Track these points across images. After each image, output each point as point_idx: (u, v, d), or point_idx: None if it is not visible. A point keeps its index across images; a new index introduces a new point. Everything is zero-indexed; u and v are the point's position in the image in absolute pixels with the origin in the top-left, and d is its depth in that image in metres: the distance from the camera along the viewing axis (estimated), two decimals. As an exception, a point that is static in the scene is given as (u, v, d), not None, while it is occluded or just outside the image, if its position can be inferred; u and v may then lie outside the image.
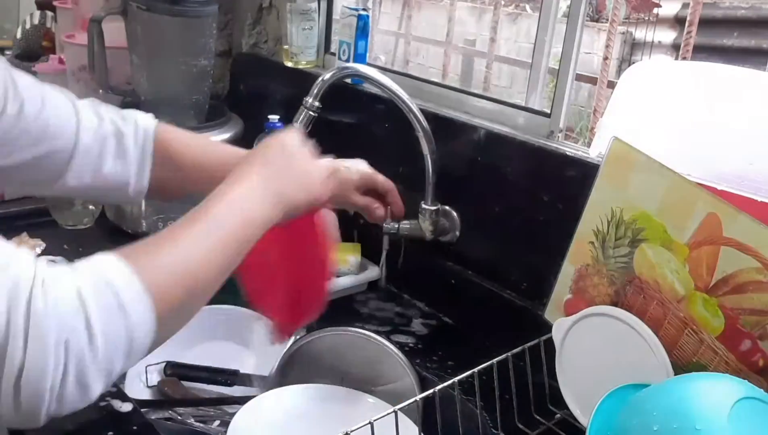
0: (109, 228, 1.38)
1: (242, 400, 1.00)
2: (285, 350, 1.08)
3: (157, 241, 0.60)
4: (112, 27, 1.45)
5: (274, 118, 1.33)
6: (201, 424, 1.00)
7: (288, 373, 1.07)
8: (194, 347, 1.18)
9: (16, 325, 0.47)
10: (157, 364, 1.10)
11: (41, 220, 1.39)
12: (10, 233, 1.17)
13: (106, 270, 0.54)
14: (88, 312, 0.50)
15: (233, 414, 0.96)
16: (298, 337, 1.09)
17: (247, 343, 1.21)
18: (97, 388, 0.52)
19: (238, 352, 1.21)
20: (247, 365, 1.17)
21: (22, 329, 0.47)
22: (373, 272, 1.30)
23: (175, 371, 1.11)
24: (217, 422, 1.04)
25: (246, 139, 1.45)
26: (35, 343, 0.47)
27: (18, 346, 0.47)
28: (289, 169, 0.73)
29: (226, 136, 1.41)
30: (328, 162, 0.84)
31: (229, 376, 1.11)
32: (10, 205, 1.46)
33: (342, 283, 1.27)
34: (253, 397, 0.98)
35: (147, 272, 0.55)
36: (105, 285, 0.52)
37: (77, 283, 0.51)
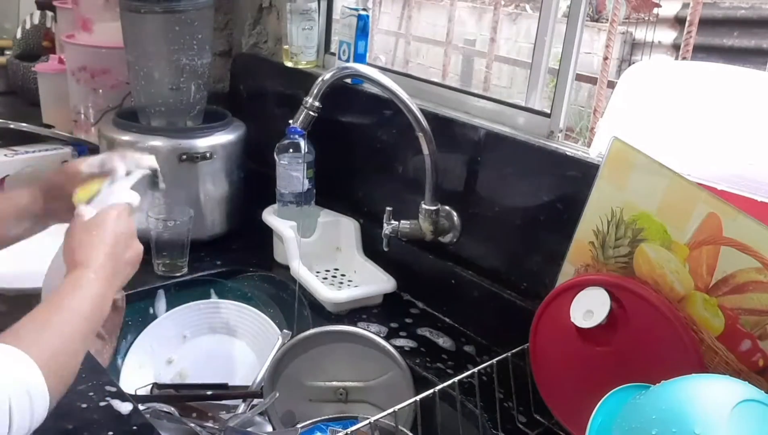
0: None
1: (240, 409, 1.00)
2: (279, 348, 1.08)
3: (34, 330, 0.72)
4: (112, 27, 1.45)
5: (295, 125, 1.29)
6: (200, 428, 1.00)
7: (281, 371, 1.07)
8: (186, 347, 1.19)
9: None
10: (145, 386, 1.11)
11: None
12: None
13: (25, 375, 0.66)
14: (12, 418, 0.64)
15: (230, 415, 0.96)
16: (293, 335, 1.09)
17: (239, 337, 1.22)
18: None
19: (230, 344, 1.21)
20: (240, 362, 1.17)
21: None
22: (390, 284, 1.29)
23: (162, 392, 1.11)
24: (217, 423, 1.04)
25: (247, 139, 1.46)
26: None
27: None
28: (126, 259, 0.86)
29: (228, 137, 1.41)
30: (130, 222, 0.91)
31: (219, 390, 1.10)
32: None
33: (357, 293, 1.26)
34: (250, 408, 0.98)
35: (42, 358, 0.68)
36: (25, 392, 0.66)
37: (8, 395, 0.64)
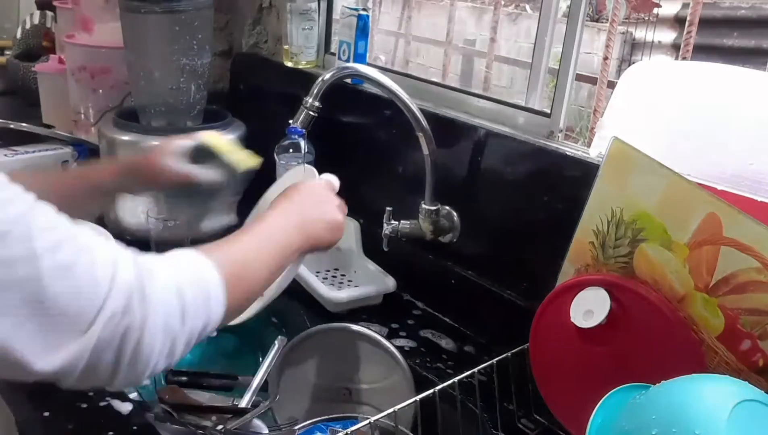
0: (109, 229, 1.38)
1: (240, 411, 1.01)
2: (282, 348, 1.08)
3: (227, 243, 0.73)
4: (112, 27, 1.45)
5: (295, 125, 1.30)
6: (200, 431, 1.00)
7: (285, 371, 1.07)
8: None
9: (135, 311, 0.58)
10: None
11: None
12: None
13: (203, 269, 0.66)
14: (184, 303, 0.62)
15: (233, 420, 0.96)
16: (293, 335, 1.09)
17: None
18: (179, 356, 0.64)
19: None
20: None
21: (139, 315, 0.58)
22: (390, 284, 1.29)
23: (177, 377, 1.11)
24: (218, 426, 1.04)
25: (247, 139, 1.45)
26: (150, 323, 0.59)
27: (136, 326, 0.58)
28: (319, 213, 0.87)
29: (228, 137, 1.41)
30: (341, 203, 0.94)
31: (229, 382, 1.11)
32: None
33: (357, 293, 1.26)
34: (249, 409, 0.99)
35: (225, 269, 0.67)
36: (200, 280, 0.65)
37: (174, 275, 0.62)
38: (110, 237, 0.63)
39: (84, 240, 0.58)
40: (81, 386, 0.59)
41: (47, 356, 0.55)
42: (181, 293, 0.62)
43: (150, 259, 0.62)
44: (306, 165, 1.10)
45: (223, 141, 1.02)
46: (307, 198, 0.88)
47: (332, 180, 0.96)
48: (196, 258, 0.66)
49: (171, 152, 0.97)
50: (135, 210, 1.37)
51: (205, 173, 0.98)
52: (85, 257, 0.57)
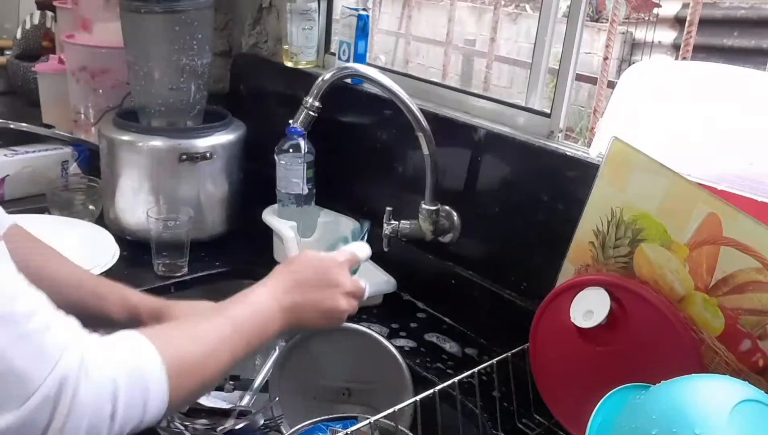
0: (109, 229, 1.38)
1: (241, 411, 1.01)
2: (282, 348, 1.08)
3: (183, 331, 0.68)
4: (112, 27, 1.45)
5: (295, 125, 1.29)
6: (201, 432, 1.00)
7: (284, 370, 1.07)
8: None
9: (62, 408, 0.55)
10: None
11: (41, 220, 1.39)
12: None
13: (144, 360, 0.61)
14: (116, 404, 0.58)
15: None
16: (294, 334, 1.09)
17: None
18: None
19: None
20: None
21: (65, 413, 0.55)
22: (390, 284, 1.29)
23: None
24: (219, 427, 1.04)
25: (247, 139, 1.46)
26: (73, 423, 0.56)
27: (58, 425, 0.55)
28: (317, 299, 0.79)
29: (228, 137, 1.41)
30: (353, 282, 0.86)
31: (232, 382, 1.11)
32: (10, 205, 1.46)
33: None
34: (250, 412, 0.99)
35: (173, 363, 0.62)
36: (139, 379, 0.60)
37: (113, 375, 0.59)
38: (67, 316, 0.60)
39: (40, 319, 0.57)
40: None
41: None
42: (115, 394, 0.58)
43: (95, 348, 0.59)
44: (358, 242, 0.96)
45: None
46: (310, 277, 0.81)
47: (358, 252, 0.88)
48: (144, 351, 0.62)
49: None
50: (135, 210, 1.37)
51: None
52: (33, 338, 0.55)
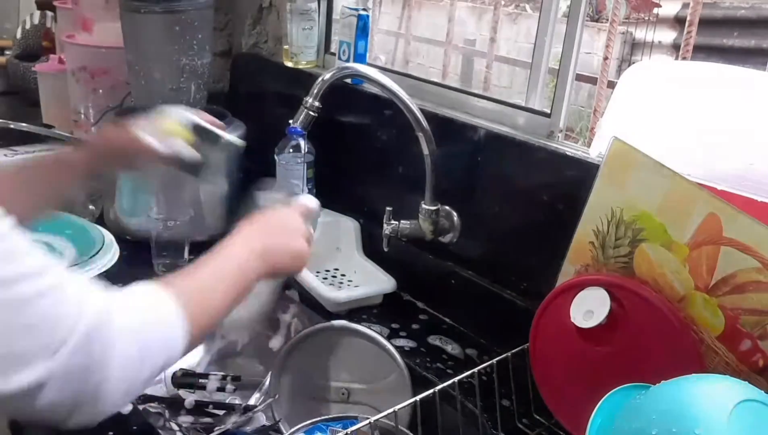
0: (110, 227, 1.38)
1: (242, 410, 1.01)
2: (283, 347, 1.09)
3: (187, 274, 0.75)
4: (112, 27, 1.45)
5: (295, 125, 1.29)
6: (202, 431, 1.00)
7: (284, 370, 1.07)
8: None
9: (95, 354, 0.59)
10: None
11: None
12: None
13: (163, 305, 0.67)
14: (143, 345, 0.63)
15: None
16: (295, 333, 1.09)
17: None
18: (140, 392, 0.66)
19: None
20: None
21: (99, 358, 0.59)
22: (390, 284, 1.29)
23: (186, 376, 1.12)
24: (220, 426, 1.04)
25: (247, 139, 1.45)
26: (109, 369, 0.59)
27: (95, 369, 0.59)
28: (283, 242, 0.85)
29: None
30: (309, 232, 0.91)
31: (233, 383, 1.11)
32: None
33: (357, 293, 1.26)
34: (252, 407, 0.99)
35: (184, 302, 0.68)
36: (159, 319, 0.66)
37: (136, 320, 0.63)
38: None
39: (52, 277, 0.59)
40: (39, 417, 0.59)
41: (12, 375, 0.55)
42: (140, 336, 0.62)
43: (112, 298, 0.63)
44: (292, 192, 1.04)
45: (205, 117, 0.99)
46: (273, 225, 0.86)
47: (309, 203, 0.94)
48: (157, 294, 0.67)
49: (151, 130, 0.93)
50: (135, 210, 1.37)
51: (188, 150, 0.94)
52: (52, 292, 0.57)
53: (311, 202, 0.94)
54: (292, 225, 0.88)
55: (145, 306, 0.65)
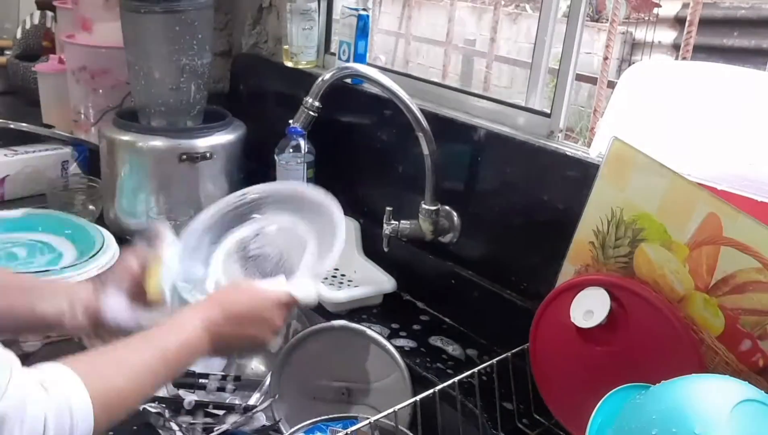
0: (110, 227, 1.38)
1: (242, 410, 1.01)
2: (282, 348, 1.08)
3: (110, 361, 0.71)
4: (112, 27, 1.45)
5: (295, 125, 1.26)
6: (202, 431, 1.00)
7: (284, 370, 1.07)
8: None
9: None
10: None
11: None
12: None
13: (70, 396, 0.64)
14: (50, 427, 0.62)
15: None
16: (294, 333, 1.09)
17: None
18: None
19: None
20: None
21: None
22: (390, 284, 1.28)
23: (186, 376, 1.11)
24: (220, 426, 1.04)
25: (247, 139, 1.46)
26: None
27: None
28: (246, 333, 0.81)
29: (228, 137, 1.41)
30: (284, 322, 0.86)
31: (233, 383, 1.11)
32: (10, 205, 1.46)
33: (357, 293, 1.26)
34: (252, 407, 0.99)
35: (98, 392, 0.66)
36: (67, 412, 0.63)
37: (45, 411, 0.62)
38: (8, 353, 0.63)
39: None
40: None
41: None
42: (45, 427, 0.61)
43: (30, 387, 0.62)
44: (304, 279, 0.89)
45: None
46: (244, 312, 0.81)
47: (303, 296, 0.85)
48: (72, 387, 0.65)
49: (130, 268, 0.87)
50: (135, 210, 1.37)
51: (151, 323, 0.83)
52: None
53: (307, 293, 0.85)
54: (265, 317, 0.82)
55: (54, 395, 0.63)
